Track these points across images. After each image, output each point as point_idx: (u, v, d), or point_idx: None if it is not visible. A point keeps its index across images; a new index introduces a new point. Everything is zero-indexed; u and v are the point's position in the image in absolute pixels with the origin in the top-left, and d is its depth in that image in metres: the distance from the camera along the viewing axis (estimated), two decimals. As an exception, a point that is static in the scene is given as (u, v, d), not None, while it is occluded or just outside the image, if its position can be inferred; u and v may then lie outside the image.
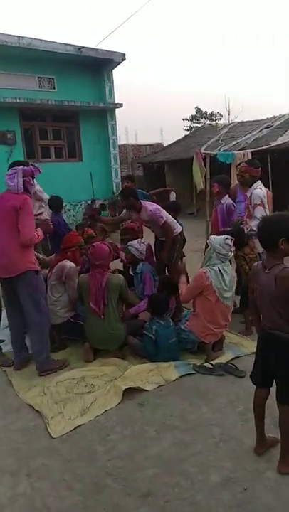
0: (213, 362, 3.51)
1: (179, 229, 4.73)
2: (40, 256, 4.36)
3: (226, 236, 3.73)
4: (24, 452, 2.61)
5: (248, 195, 4.47)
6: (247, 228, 4.27)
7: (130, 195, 4.48)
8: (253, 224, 4.09)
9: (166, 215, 4.53)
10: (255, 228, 3.83)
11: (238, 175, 4.92)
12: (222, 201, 4.86)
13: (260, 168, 4.62)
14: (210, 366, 3.45)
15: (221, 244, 3.62)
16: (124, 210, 4.84)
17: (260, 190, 4.38)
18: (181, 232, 4.82)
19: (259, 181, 4.53)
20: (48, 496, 2.24)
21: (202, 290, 3.60)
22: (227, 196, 4.88)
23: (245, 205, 4.71)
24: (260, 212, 4.19)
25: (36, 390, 3.31)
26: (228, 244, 3.63)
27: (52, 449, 2.62)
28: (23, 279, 3.42)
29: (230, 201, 4.84)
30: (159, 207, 4.55)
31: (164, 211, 4.54)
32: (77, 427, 2.81)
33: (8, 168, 3.49)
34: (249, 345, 3.80)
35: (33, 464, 2.50)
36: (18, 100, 10.03)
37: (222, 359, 3.59)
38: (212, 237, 3.85)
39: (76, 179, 11.39)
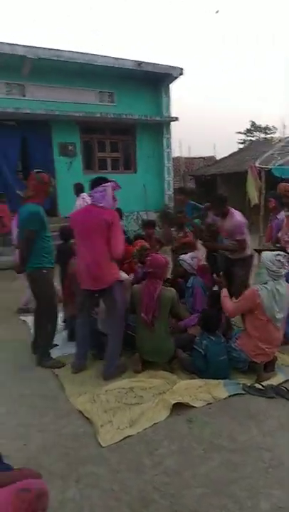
0: (264, 383, 3.43)
1: (249, 251, 4.68)
2: None
3: (277, 252, 3.65)
4: (73, 458, 2.68)
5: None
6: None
7: (223, 201, 4.58)
8: None
9: (246, 233, 4.53)
10: None
11: (281, 195, 4.89)
12: (278, 217, 4.81)
13: None
14: (261, 387, 3.37)
15: (272, 260, 3.54)
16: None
17: None
18: (252, 256, 4.76)
19: None
20: (96, 504, 2.28)
21: (252, 308, 3.53)
22: (283, 212, 4.81)
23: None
24: None
25: (86, 396, 3.39)
26: (279, 260, 3.53)
27: (101, 457, 2.68)
28: (109, 290, 3.64)
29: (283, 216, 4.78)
30: (245, 222, 4.55)
31: (246, 229, 4.55)
32: (125, 437, 2.85)
33: (92, 185, 3.65)
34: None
35: (82, 470, 2.56)
36: (79, 114, 10.45)
37: (273, 381, 3.49)
38: (264, 252, 3.78)
39: (130, 191, 11.61)
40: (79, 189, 8.39)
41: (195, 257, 4.60)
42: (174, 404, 3.12)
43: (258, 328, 3.55)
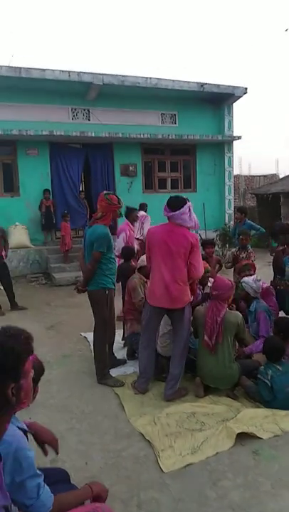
0: None
1: None
2: None
3: None
4: (135, 481, 2.64)
5: None
6: None
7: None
8: None
9: None
10: None
11: None
12: None
13: None
14: None
15: None
16: None
17: None
18: None
19: None
20: (158, 533, 2.21)
21: None
22: None
23: None
24: None
25: (146, 418, 3.34)
26: None
27: (162, 483, 2.61)
28: (182, 311, 3.64)
29: None
30: None
31: None
32: (187, 464, 2.76)
33: (171, 203, 3.61)
34: None
35: (144, 495, 2.50)
36: (141, 136, 10.71)
37: None
38: None
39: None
40: (142, 209, 8.56)
41: (259, 280, 4.44)
42: (238, 434, 2.98)
43: None
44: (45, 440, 1.96)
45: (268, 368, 3.46)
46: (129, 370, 4.31)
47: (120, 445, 3.04)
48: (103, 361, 4.08)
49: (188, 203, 3.62)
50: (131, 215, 6.65)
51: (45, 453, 1.97)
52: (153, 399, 3.72)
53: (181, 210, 3.55)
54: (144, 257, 4.49)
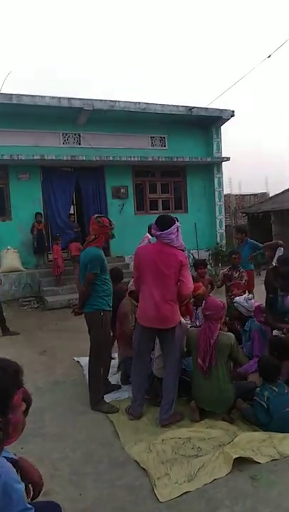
0: None
1: None
2: None
3: None
4: (130, 513, 2.56)
5: None
6: None
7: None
8: None
9: None
10: None
11: None
12: None
13: None
14: None
15: None
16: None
17: None
18: None
19: None
20: None
21: None
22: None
23: None
24: None
25: (142, 445, 3.26)
26: None
27: (159, 514, 2.53)
28: (173, 330, 3.62)
29: None
30: None
31: None
32: (184, 493, 2.69)
33: (159, 223, 3.62)
34: None
35: (140, 528, 2.43)
36: (132, 159, 10.87)
37: None
38: None
39: (181, 230, 11.70)
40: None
41: (251, 299, 4.44)
42: (236, 459, 2.91)
43: None
44: (30, 480, 1.79)
45: (265, 389, 3.41)
46: (123, 395, 4.23)
47: (115, 474, 2.96)
48: (97, 387, 4.01)
49: (177, 224, 3.64)
50: None
51: (29, 494, 1.77)
52: (148, 425, 3.64)
53: (169, 229, 3.57)
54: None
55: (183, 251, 3.69)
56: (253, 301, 4.41)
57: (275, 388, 3.39)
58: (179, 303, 3.65)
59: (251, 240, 6.82)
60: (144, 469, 2.96)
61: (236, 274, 5.88)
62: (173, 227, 3.58)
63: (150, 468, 2.96)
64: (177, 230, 3.60)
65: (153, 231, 3.67)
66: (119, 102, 10.41)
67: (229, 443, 3.15)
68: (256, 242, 6.71)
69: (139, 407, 3.79)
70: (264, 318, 4.34)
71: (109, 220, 4.03)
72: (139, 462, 3.05)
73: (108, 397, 4.13)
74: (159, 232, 3.60)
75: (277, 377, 3.50)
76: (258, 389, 3.45)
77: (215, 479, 2.79)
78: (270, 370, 3.47)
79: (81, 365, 5.11)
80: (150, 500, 2.66)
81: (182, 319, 4.01)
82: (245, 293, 4.92)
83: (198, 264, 6.09)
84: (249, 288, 6.80)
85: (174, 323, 3.60)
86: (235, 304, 4.43)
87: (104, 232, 3.97)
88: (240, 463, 2.92)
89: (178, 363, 3.71)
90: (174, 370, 3.68)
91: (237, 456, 2.92)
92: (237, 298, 4.50)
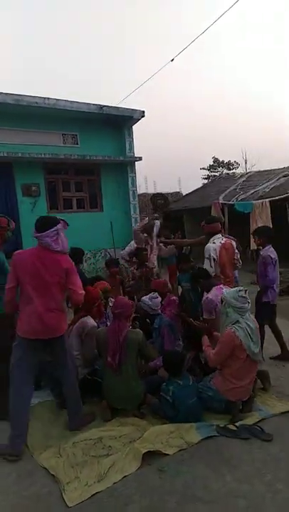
0: (237, 424, 3.32)
1: None
2: None
3: (239, 288, 3.65)
4: (37, 523, 2.47)
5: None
6: None
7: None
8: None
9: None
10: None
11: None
12: (261, 252, 4.93)
13: (214, 224, 4.87)
14: (234, 428, 3.26)
15: (235, 297, 3.53)
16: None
17: (212, 244, 4.66)
18: None
19: (218, 235, 4.80)
20: None
21: (233, 350, 3.46)
22: (267, 248, 4.90)
23: None
24: (205, 264, 4.58)
25: (52, 450, 3.17)
26: (242, 296, 3.53)
27: (66, 520, 2.47)
28: (61, 339, 3.40)
29: (267, 253, 4.84)
30: None
31: None
32: (94, 493, 2.66)
33: (37, 224, 3.28)
34: (276, 406, 3.61)
35: (46, 536, 2.35)
36: (43, 156, 10.50)
37: (247, 420, 3.39)
38: (225, 291, 3.76)
39: (97, 228, 11.62)
40: None
41: (155, 297, 4.53)
42: (146, 453, 2.96)
43: (236, 366, 3.48)
44: None
45: (170, 384, 3.50)
46: (34, 401, 4.07)
47: (22, 485, 2.83)
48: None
49: (58, 226, 3.27)
50: None
51: None
52: (59, 429, 3.55)
53: (45, 232, 3.20)
54: None
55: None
56: (158, 299, 4.51)
57: (179, 381, 3.50)
58: (74, 307, 3.48)
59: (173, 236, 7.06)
60: (53, 475, 2.88)
61: (143, 270, 5.98)
62: (51, 229, 3.21)
63: (59, 473, 2.89)
64: (57, 233, 3.25)
65: (34, 233, 3.30)
66: (25, 96, 9.98)
67: (139, 438, 3.19)
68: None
69: (21, 444, 3.22)
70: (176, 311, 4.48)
71: (8, 220, 3.84)
72: (48, 469, 2.96)
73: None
74: (36, 235, 3.26)
75: (181, 370, 3.62)
76: (164, 384, 3.53)
77: (125, 476, 2.81)
78: (174, 363, 3.59)
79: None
80: (58, 506, 2.59)
81: (92, 322, 3.98)
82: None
83: (110, 264, 6.09)
84: (171, 282, 7.04)
85: (61, 331, 3.37)
86: (141, 303, 4.51)
87: (0, 233, 3.77)
88: (150, 456, 2.97)
89: (73, 368, 3.55)
90: (71, 378, 3.51)
91: (146, 450, 2.97)
92: (143, 297, 4.58)
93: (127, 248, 6.58)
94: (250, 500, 2.51)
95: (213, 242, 4.67)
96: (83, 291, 3.43)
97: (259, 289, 4.96)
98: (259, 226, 5.35)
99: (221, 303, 3.68)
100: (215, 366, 3.66)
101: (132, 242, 6.74)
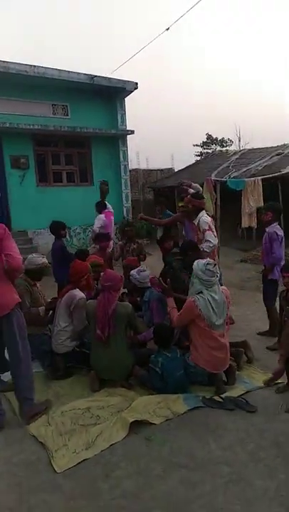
0: (223, 395, 3.40)
1: None
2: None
3: (207, 261, 3.68)
4: (25, 487, 2.52)
5: (196, 223, 4.97)
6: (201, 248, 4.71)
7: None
8: (205, 246, 4.73)
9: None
10: (207, 249, 4.67)
11: (182, 206, 5.26)
12: (267, 229, 4.87)
13: (203, 200, 5.14)
14: (220, 400, 3.34)
15: (202, 269, 3.58)
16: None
17: (206, 217, 4.93)
18: None
19: (203, 211, 5.05)
20: (48, 537, 2.14)
21: (193, 318, 3.54)
22: (274, 224, 4.84)
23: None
24: (209, 236, 4.77)
25: (41, 419, 3.22)
26: (209, 269, 3.57)
27: (54, 484, 2.53)
28: (8, 317, 3.07)
29: (273, 229, 4.79)
30: None
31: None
32: (82, 461, 2.72)
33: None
34: (261, 379, 3.69)
35: (34, 500, 2.41)
36: (32, 127, 10.24)
37: (233, 393, 3.47)
38: (195, 261, 3.80)
39: (87, 203, 11.45)
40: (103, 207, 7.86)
41: (143, 271, 4.54)
42: (133, 423, 3.02)
43: (202, 336, 3.55)
44: None
45: (159, 356, 3.56)
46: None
47: (11, 451, 2.88)
48: None
49: None
50: None
51: None
52: (47, 398, 3.59)
53: None
54: (32, 258, 4.26)
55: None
56: (146, 272, 4.52)
57: (168, 354, 3.55)
58: (12, 278, 3.16)
59: (169, 212, 7.02)
60: (42, 443, 2.93)
61: (134, 246, 5.98)
62: None
63: (48, 441, 2.94)
64: None
65: None
66: (13, 63, 9.62)
67: (127, 408, 3.25)
68: (172, 214, 6.95)
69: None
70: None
71: None
72: (37, 437, 3.01)
73: (8, 376, 3.95)
74: None
75: (170, 342, 3.67)
76: (153, 356, 3.58)
77: (112, 444, 2.87)
78: (163, 336, 3.63)
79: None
80: (47, 472, 2.65)
81: (80, 294, 3.98)
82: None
83: (100, 238, 6.06)
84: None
85: (8, 307, 3.03)
86: (130, 277, 4.52)
87: None
88: (137, 426, 3.03)
89: (25, 355, 3.16)
90: (23, 362, 3.14)
91: (133, 419, 3.03)
92: (132, 271, 4.59)
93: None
94: (233, 467, 2.59)
95: (206, 216, 4.88)
96: (20, 257, 3.06)
97: (264, 267, 4.94)
98: (270, 202, 5.27)
99: None
100: (177, 327, 3.79)
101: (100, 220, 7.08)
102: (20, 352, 3.13)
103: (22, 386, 3.21)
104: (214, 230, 4.88)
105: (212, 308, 3.52)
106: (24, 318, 3.21)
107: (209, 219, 4.92)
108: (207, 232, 4.80)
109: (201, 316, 3.50)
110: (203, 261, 3.68)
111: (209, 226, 4.84)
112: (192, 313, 3.53)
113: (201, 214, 4.96)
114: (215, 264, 3.67)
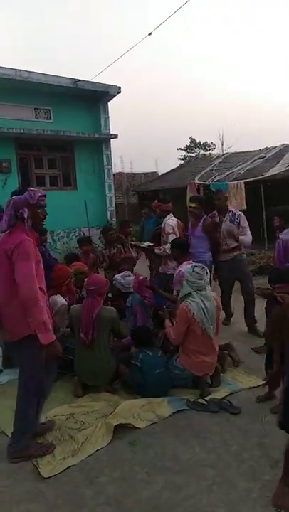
0: (207, 398, 3.40)
1: None
2: None
3: (195, 264, 3.75)
4: (8, 497, 2.47)
5: (162, 226, 5.21)
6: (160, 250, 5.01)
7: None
8: (166, 247, 4.83)
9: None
10: (168, 251, 4.74)
11: (191, 207, 5.33)
12: (281, 236, 4.39)
13: (169, 203, 5.34)
14: (204, 402, 3.34)
15: (190, 272, 3.64)
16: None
17: (171, 221, 5.15)
18: None
19: (171, 214, 5.27)
20: None
21: (189, 325, 3.55)
22: (287, 231, 4.36)
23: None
24: (171, 239, 4.86)
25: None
26: (197, 272, 3.61)
27: (37, 492, 2.49)
28: (18, 345, 2.73)
29: (287, 236, 4.29)
30: None
31: None
32: (67, 468, 2.68)
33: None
34: (245, 381, 3.71)
35: (16, 509, 2.36)
36: (14, 130, 10.15)
37: (217, 395, 3.48)
38: (185, 265, 3.82)
39: (70, 207, 11.42)
40: None
41: (128, 276, 4.54)
42: (117, 428, 3.00)
43: (194, 340, 3.57)
44: None
45: (140, 352, 3.62)
46: (3, 379, 4.04)
47: (-7, 461, 2.83)
48: None
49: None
50: None
51: None
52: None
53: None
54: None
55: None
56: (131, 277, 4.52)
57: (149, 352, 3.61)
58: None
59: (155, 215, 7.01)
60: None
61: (114, 251, 5.96)
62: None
63: (31, 448, 2.89)
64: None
65: None
66: (-5, 67, 9.57)
67: (112, 413, 3.23)
68: (159, 218, 6.93)
69: None
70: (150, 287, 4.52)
71: None
72: (19, 444, 2.96)
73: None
74: None
75: (150, 341, 3.73)
76: (135, 353, 3.64)
77: (97, 450, 2.85)
78: (142, 336, 3.67)
79: None
80: (28, 481, 2.61)
81: (62, 300, 3.95)
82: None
83: (82, 242, 6.02)
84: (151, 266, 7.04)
85: (18, 335, 2.66)
86: (114, 282, 4.51)
87: None
88: (122, 431, 3.02)
89: (21, 388, 2.83)
90: (23, 395, 2.83)
91: (117, 423, 3.01)
92: (116, 275, 4.59)
93: None
94: (217, 469, 2.59)
95: (172, 220, 5.13)
96: (31, 283, 2.60)
97: None
98: (279, 206, 4.73)
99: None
100: (177, 344, 3.74)
101: None
102: (19, 386, 2.85)
103: (14, 420, 2.88)
104: (177, 233, 5.05)
105: (203, 311, 3.54)
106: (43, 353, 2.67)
107: (175, 222, 5.13)
108: (170, 234, 4.97)
109: (195, 321, 3.51)
110: (192, 264, 3.77)
111: (173, 229, 5.02)
112: (186, 318, 3.53)
113: (168, 217, 5.20)
114: (203, 267, 3.69)
